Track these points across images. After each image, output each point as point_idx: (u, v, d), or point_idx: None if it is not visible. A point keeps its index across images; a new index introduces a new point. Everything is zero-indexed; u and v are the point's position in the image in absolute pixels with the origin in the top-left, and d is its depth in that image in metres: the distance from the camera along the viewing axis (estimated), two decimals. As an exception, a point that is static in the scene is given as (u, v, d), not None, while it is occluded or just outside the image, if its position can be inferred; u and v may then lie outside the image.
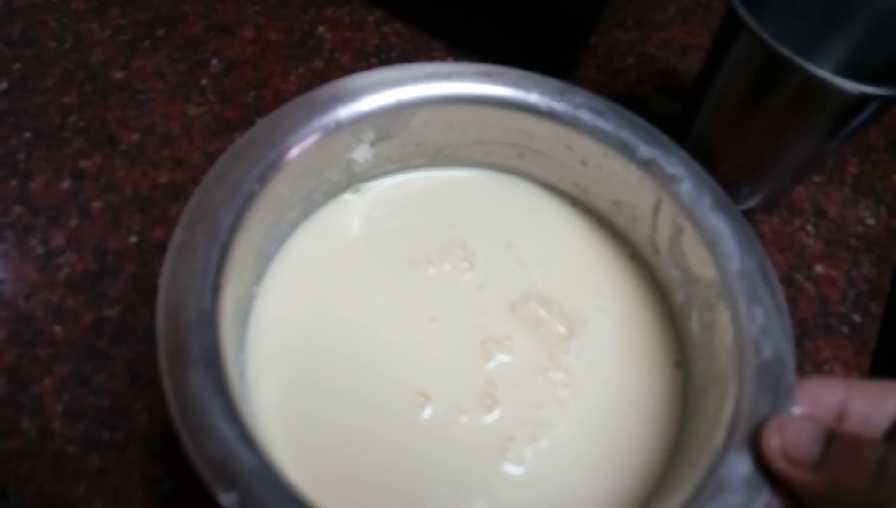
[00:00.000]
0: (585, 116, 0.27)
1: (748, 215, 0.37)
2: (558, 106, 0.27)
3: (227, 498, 0.19)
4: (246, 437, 0.19)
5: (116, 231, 0.33)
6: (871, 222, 0.38)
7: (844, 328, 0.35)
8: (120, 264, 0.32)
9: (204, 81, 0.38)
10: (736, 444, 0.21)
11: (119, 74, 0.38)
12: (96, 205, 0.34)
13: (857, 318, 0.35)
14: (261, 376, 0.25)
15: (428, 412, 0.25)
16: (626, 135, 0.27)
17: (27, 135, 0.35)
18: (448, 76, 0.27)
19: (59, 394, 0.29)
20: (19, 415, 0.28)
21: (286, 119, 0.25)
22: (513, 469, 0.24)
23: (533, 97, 0.27)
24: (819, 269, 0.36)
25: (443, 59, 0.41)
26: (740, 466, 0.20)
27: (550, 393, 0.26)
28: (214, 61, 0.39)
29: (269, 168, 0.24)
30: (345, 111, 0.26)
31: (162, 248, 0.30)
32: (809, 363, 0.33)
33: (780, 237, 0.37)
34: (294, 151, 0.24)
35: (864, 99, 0.27)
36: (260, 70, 0.39)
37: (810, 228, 0.38)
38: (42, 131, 0.36)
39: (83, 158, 0.35)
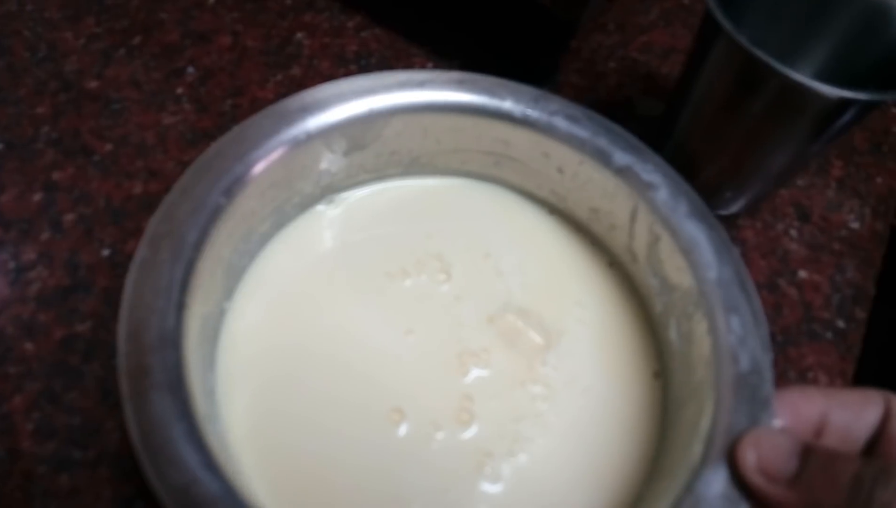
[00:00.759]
0: (561, 123, 0.26)
1: (731, 219, 0.36)
2: (533, 113, 0.27)
3: (189, 525, 0.18)
4: (209, 463, 0.19)
5: (89, 244, 0.32)
6: (855, 225, 0.38)
7: (829, 334, 0.34)
8: (92, 278, 0.31)
9: (180, 90, 0.38)
10: (713, 458, 0.20)
11: (93, 84, 0.38)
12: (69, 218, 0.33)
13: (841, 324, 0.35)
14: (231, 394, 0.24)
15: (403, 430, 0.25)
16: (602, 142, 0.26)
17: (-2, 146, 0.35)
18: (420, 84, 0.26)
19: (29, 412, 0.28)
20: (-12, 435, 0.28)
21: (253, 131, 0.24)
22: (490, 488, 0.24)
23: (507, 105, 0.27)
24: (803, 274, 0.36)
25: (423, 64, 0.41)
26: (716, 482, 0.20)
27: (529, 406, 0.26)
28: (191, 69, 0.39)
29: (236, 182, 0.24)
30: (314, 122, 0.25)
31: (135, 261, 0.29)
32: (793, 370, 0.33)
33: (764, 242, 0.37)
34: (261, 165, 0.24)
35: (844, 103, 0.27)
36: (237, 78, 0.39)
37: (794, 232, 0.37)
38: (14, 143, 0.35)
39: (56, 170, 0.34)
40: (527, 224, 0.30)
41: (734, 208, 0.36)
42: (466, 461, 0.24)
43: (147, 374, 0.20)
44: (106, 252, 0.32)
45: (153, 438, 0.19)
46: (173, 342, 0.20)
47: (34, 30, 0.39)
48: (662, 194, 0.25)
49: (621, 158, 0.26)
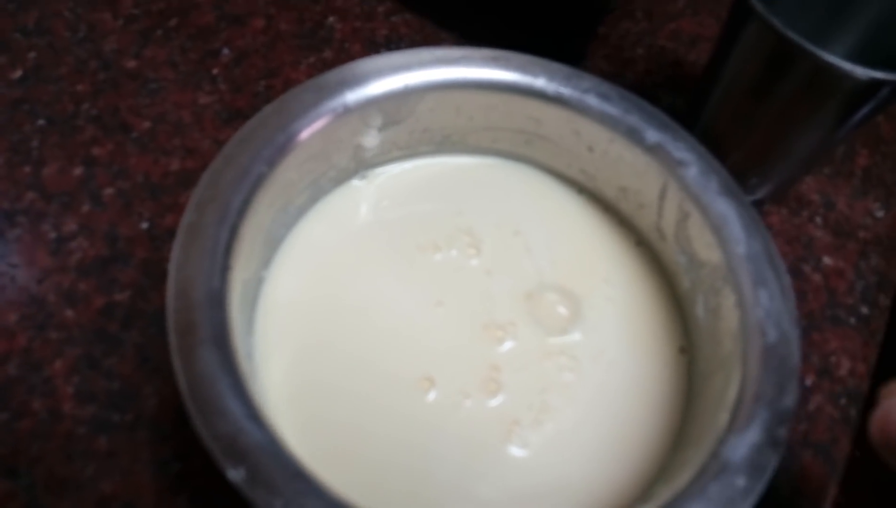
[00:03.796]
0: (593, 100, 0.27)
1: (756, 206, 0.37)
2: (565, 91, 0.27)
3: (234, 473, 0.19)
4: (254, 414, 0.20)
5: (128, 217, 0.33)
6: (880, 214, 0.38)
7: (852, 320, 0.34)
8: (131, 249, 0.32)
9: (215, 71, 0.39)
10: (739, 426, 0.21)
11: (131, 63, 0.38)
12: (108, 191, 0.34)
13: (864, 310, 0.35)
14: (268, 358, 0.25)
15: (432, 396, 0.25)
16: (634, 120, 0.27)
17: (41, 122, 0.36)
18: (455, 61, 0.27)
19: (69, 376, 0.29)
20: (31, 397, 0.28)
21: (294, 103, 0.25)
22: (518, 452, 0.24)
23: (540, 82, 0.27)
24: (827, 261, 0.36)
25: (451, 49, 0.41)
26: (742, 447, 0.21)
27: (555, 377, 0.26)
28: (225, 51, 0.40)
29: (278, 151, 0.24)
30: (353, 95, 0.26)
31: (173, 234, 0.30)
32: (816, 355, 0.33)
33: (788, 229, 0.37)
34: (302, 135, 0.25)
35: (875, 85, 0.27)
36: (270, 60, 0.40)
37: (819, 219, 0.37)
38: (55, 119, 0.36)
39: (95, 146, 0.35)
40: (556, 203, 0.31)
41: (759, 194, 0.36)
42: (494, 428, 0.25)
43: (195, 330, 0.20)
44: (144, 225, 0.33)
45: (201, 390, 0.20)
46: (219, 301, 0.21)
47: (74, 11, 0.40)
48: (693, 171, 0.26)
49: (653, 135, 0.26)
